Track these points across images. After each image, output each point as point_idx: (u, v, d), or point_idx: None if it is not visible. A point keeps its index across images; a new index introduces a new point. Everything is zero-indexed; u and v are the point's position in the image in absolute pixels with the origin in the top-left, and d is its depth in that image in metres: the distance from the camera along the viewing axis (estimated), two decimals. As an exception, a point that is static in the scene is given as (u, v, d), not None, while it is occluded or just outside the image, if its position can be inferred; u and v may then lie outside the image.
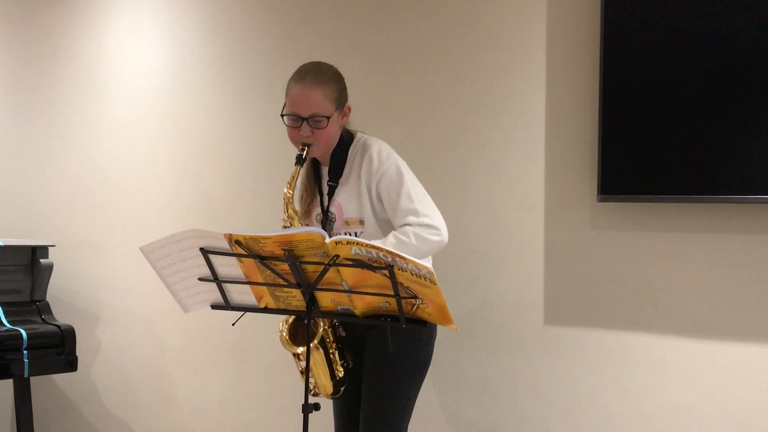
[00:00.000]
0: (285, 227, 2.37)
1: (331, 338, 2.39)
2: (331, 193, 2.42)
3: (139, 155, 3.79)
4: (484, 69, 2.94)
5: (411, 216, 2.28)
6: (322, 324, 2.35)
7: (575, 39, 2.78)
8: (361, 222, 2.38)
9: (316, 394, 2.45)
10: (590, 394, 2.75)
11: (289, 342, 2.37)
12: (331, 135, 2.36)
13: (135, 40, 3.81)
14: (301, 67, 2.39)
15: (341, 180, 2.40)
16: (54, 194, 4.03)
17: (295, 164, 2.32)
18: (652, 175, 2.59)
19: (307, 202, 2.46)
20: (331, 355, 2.40)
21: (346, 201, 2.39)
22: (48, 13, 4.06)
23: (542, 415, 2.82)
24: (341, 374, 2.42)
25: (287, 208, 2.36)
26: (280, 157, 3.36)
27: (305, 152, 2.33)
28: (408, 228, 2.28)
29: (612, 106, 2.63)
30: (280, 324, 2.40)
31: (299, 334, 2.38)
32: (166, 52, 3.72)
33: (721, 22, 2.50)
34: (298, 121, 2.32)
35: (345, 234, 2.39)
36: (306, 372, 2.08)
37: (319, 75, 2.34)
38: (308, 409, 2.09)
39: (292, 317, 2.37)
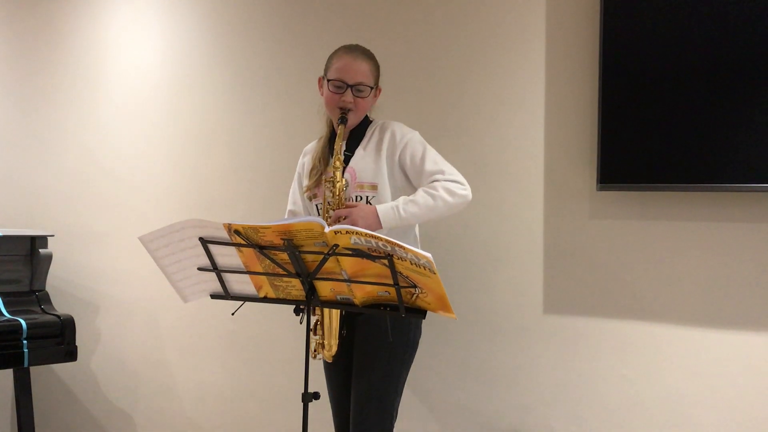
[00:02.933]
0: (327, 180, 2.48)
1: None
2: (346, 161, 2.51)
3: (138, 146, 3.78)
4: (485, 56, 2.94)
5: (438, 175, 2.44)
6: None
7: (575, 26, 2.77)
8: (374, 187, 2.48)
9: (314, 356, 2.46)
10: (589, 383, 2.76)
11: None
12: (366, 107, 2.53)
13: (134, 32, 3.80)
14: (347, 44, 2.56)
15: (357, 150, 2.52)
16: (53, 185, 4.03)
17: (339, 124, 2.46)
18: (652, 163, 2.59)
19: (319, 170, 2.54)
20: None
21: (360, 166, 2.50)
22: (47, 4, 4.05)
23: (541, 403, 2.83)
24: (344, 333, 2.48)
25: (336, 162, 2.44)
26: (279, 148, 3.36)
27: (347, 114, 2.47)
28: (437, 183, 2.42)
29: (611, 95, 2.63)
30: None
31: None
32: (164, 44, 3.71)
33: (720, 10, 2.49)
34: (342, 87, 2.47)
35: (356, 197, 2.48)
36: (306, 364, 2.08)
37: (366, 51, 2.54)
38: (307, 398, 2.09)
39: None
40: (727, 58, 2.49)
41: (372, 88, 2.50)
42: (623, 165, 2.63)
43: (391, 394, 2.45)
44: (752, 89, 2.46)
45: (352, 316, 2.47)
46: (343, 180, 2.46)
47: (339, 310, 2.41)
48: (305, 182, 2.60)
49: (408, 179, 2.51)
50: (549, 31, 2.82)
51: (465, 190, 2.43)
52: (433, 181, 2.42)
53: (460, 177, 2.45)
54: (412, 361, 2.52)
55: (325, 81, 2.52)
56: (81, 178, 3.94)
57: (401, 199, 2.39)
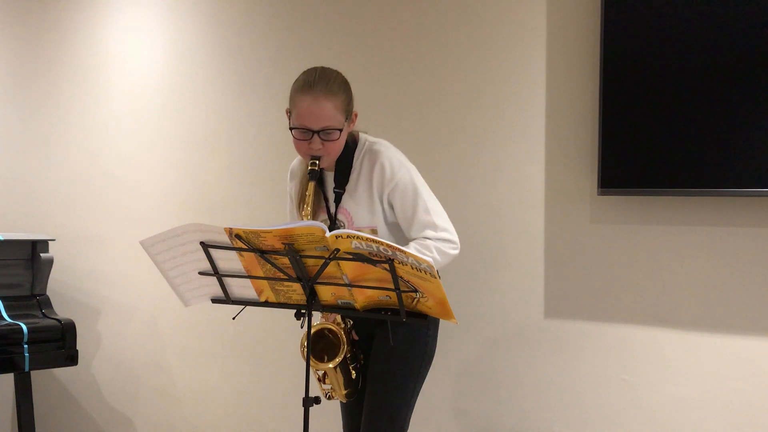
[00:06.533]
0: None
1: (346, 344, 2.35)
2: (338, 200, 2.38)
3: (139, 150, 3.78)
4: (486, 62, 2.94)
5: (429, 230, 2.30)
6: (343, 343, 2.32)
7: (575, 32, 2.77)
8: (374, 231, 2.36)
9: (331, 398, 2.46)
10: (590, 387, 2.75)
11: (314, 360, 2.33)
12: (341, 146, 2.31)
13: (135, 35, 3.80)
14: (306, 75, 2.29)
15: (348, 187, 2.36)
16: (54, 189, 4.03)
17: (309, 180, 2.27)
18: (653, 168, 2.59)
19: (313, 209, 2.33)
20: (350, 368, 2.41)
21: (355, 209, 2.37)
22: (48, 7, 4.05)
23: (542, 407, 2.83)
24: (354, 376, 2.43)
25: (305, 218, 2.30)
26: (280, 152, 3.35)
27: (317, 166, 2.26)
28: (429, 242, 2.28)
29: (612, 99, 2.63)
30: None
31: (319, 348, 2.36)
32: (165, 46, 3.71)
33: (721, 15, 2.49)
34: (308, 134, 2.25)
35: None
36: (306, 367, 2.08)
37: (328, 85, 2.25)
38: (308, 402, 2.08)
39: (314, 331, 2.30)
40: (729, 61, 2.49)
41: (340, 129, 2.25)
42: (624, 169, 2.63)
43: (404, 408, 2.39)
44: (754, 93, 2.46)
45: (371, 329, 2.42)
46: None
47: (343, 373, 2.37)
48: (289, 207, 2.49)
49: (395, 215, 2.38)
50: (550, 35, 2.82)
51: (455, 250, 2.32)
52: (425, 237, 2.29)
53: (450, 233, 2.32)
54: (426, 374, 2.45)
55: (290, 125, 2.29)
56: (82, 182, 3.95)
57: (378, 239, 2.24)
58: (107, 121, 3.88)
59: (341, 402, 2.55)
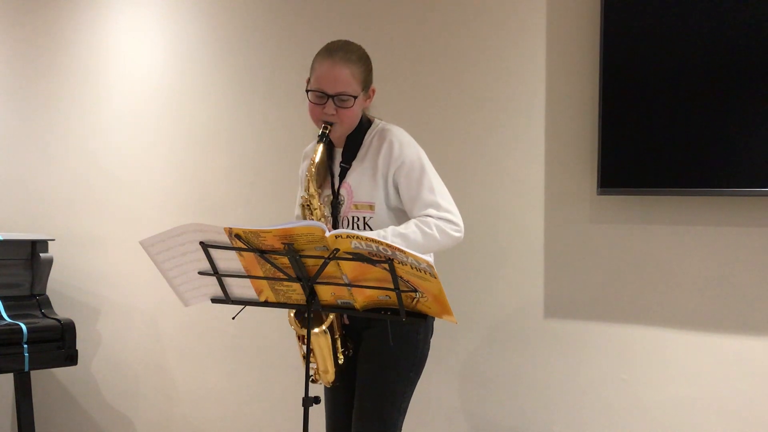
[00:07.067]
0: (303, 204, 2.35)
1: (337, 324, 2.35)
2: (342, 175, 2.37)
3: (139, 150, 3.78)
4: (486, 62, 2.94)
5: (431, 209, 2.27)
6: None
7: (575, 32, 2.77)
8: (371, 207, 2.34)
9: (315, 381, 2.42)
10: (590, 387, 2.75)
11: (297, 323, 2.33)
12: (354, 116, 2.33)
13: (135, 35, 3.80)
14: (330, 43, 2.35)
15: (354, 162, 2.36)
16: (54, 189, 4.03)
17: (317, 142, 2.28)
18: (652, 168, 2.59)
19: (318, 182, 2.37)
20: (337, 342, 2.37)
21: (357, 184, 2.35)
22: (48, 8, 4.05)
23: (542, 407, 2.83)
24: (342, 361, 2.39)
25: (309, 186, 2.32)
26: (280, 152, 3.36)
27: (328, 131, 2.29)
28: (430, 219, 2.25)
29: (612, 99, 2.63)
30: (285, 312, 2.36)
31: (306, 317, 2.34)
32: (165, 46, 3.71)
33: (721, 14, 2.50)
34: (323, 98, 2.28)
35: (353, 218, 2.36)
36: (306, 365, 2.08)
37: (348, 53, 2.30)
38: (308, 402, 2.08)
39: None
40: (729, 60, 2.49)
41: (356, 97, 2.29)
42: (624, 169, 2.63)
43: (395, 413, 2.34)
44: (754, 93, 2.46)
45: (358, 331, 2.40)
46: (321, 206, 2.33)
47: (329, 339, 2.34)
48: (300, 192, 2.47)
49: (400, 197, 2.35)
50: (550, 35, 2.82)
51: (458, 233, 2.28)
52: (426, 215, 2.26)
53: (454, 215, 2.28)
54: (418, 378, 2.40)
55: (306, 89, 2.34)
56: (82, 182, 3.95)
57: (390, 230, 2.22)
58: (107, 122, 3.88)
59: (325, 394, 2.49)
